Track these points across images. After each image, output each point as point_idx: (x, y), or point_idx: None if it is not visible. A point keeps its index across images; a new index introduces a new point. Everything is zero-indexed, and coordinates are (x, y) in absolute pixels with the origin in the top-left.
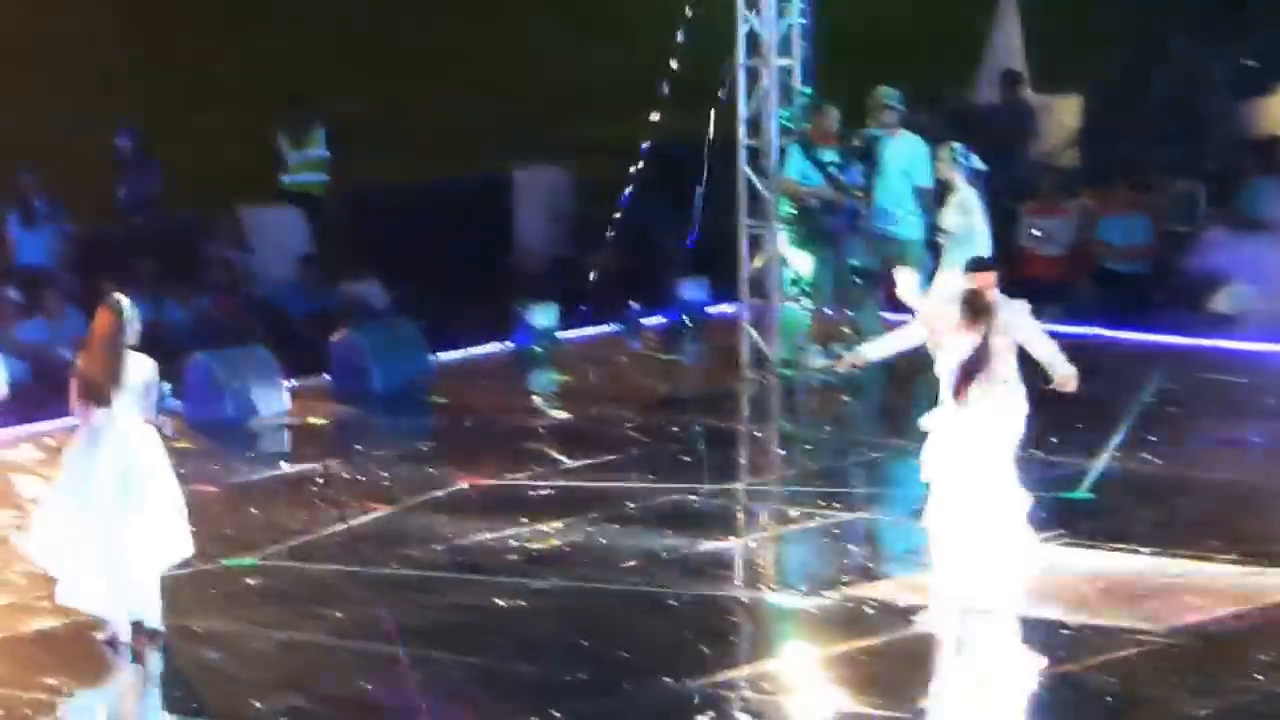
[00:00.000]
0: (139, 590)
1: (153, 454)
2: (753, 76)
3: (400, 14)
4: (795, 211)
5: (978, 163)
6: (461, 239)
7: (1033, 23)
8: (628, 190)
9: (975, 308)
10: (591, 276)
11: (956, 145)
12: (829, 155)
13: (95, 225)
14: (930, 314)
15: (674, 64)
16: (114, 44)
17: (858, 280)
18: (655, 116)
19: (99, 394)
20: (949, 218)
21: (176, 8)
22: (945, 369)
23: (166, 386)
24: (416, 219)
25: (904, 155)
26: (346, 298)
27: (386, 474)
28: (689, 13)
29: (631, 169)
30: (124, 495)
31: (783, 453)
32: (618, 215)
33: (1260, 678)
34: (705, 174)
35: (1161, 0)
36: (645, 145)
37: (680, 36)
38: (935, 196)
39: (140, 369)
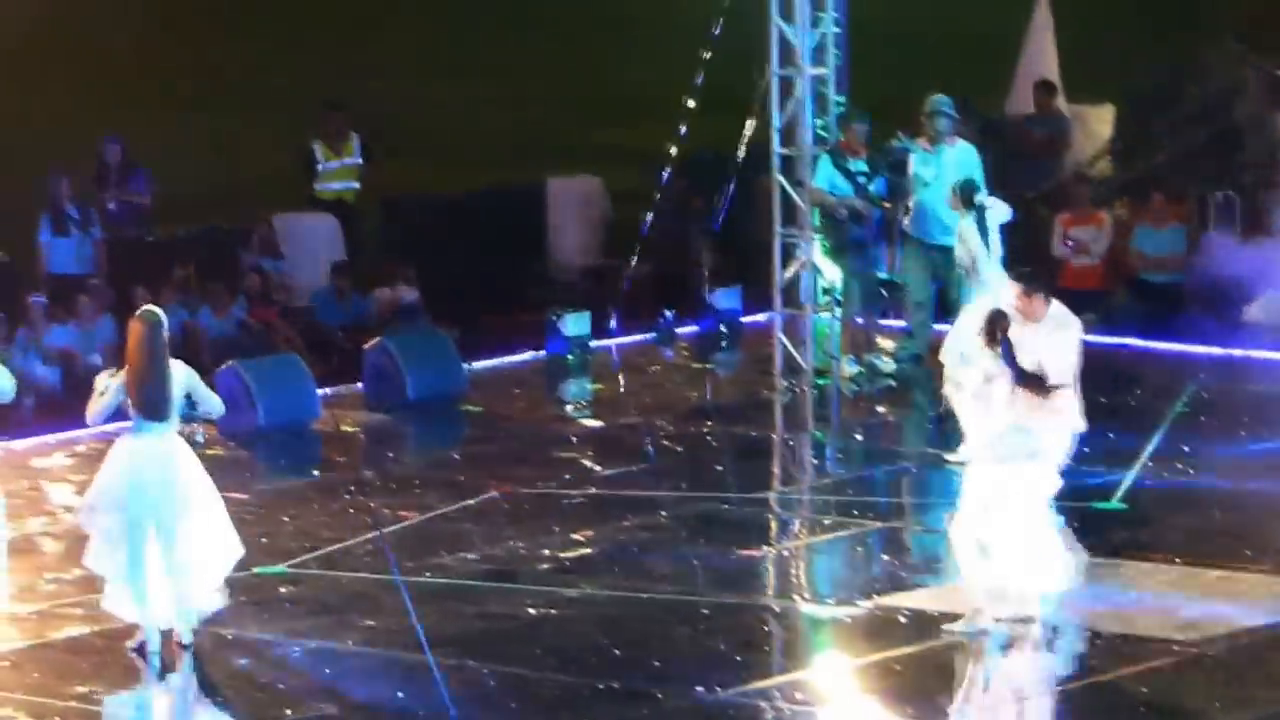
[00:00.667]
0: (175, 599)
1: (192, 461)
2: (786, 85)
3: (434, 23)
4: (824, 221)
5: (984, 198)
6: (495, 247)
7: (1068, 32)
8: (658, 198)
9: (989, 332)
10: (625, 284)
11: (962, 180)
12: (858, 166)
13: (128, 232)
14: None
15: (699, 80)
16: (146, 50)
17: (885, 291)
18: (683, 129)
19: (152, 405)
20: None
21: (212, 13)
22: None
23: None
24: (451, 227)
25: (958, 164)
26: (380, 302)
27: (418, 482)
28: (716, 28)
29: (663, 175)
30: (165, 503)
31: (815, 461)
32: (649, 221)
33: None
34: (735, 177)
35: (1196, 10)
36: (673, 153)
37: (708, 50)
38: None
39: (177, 376)
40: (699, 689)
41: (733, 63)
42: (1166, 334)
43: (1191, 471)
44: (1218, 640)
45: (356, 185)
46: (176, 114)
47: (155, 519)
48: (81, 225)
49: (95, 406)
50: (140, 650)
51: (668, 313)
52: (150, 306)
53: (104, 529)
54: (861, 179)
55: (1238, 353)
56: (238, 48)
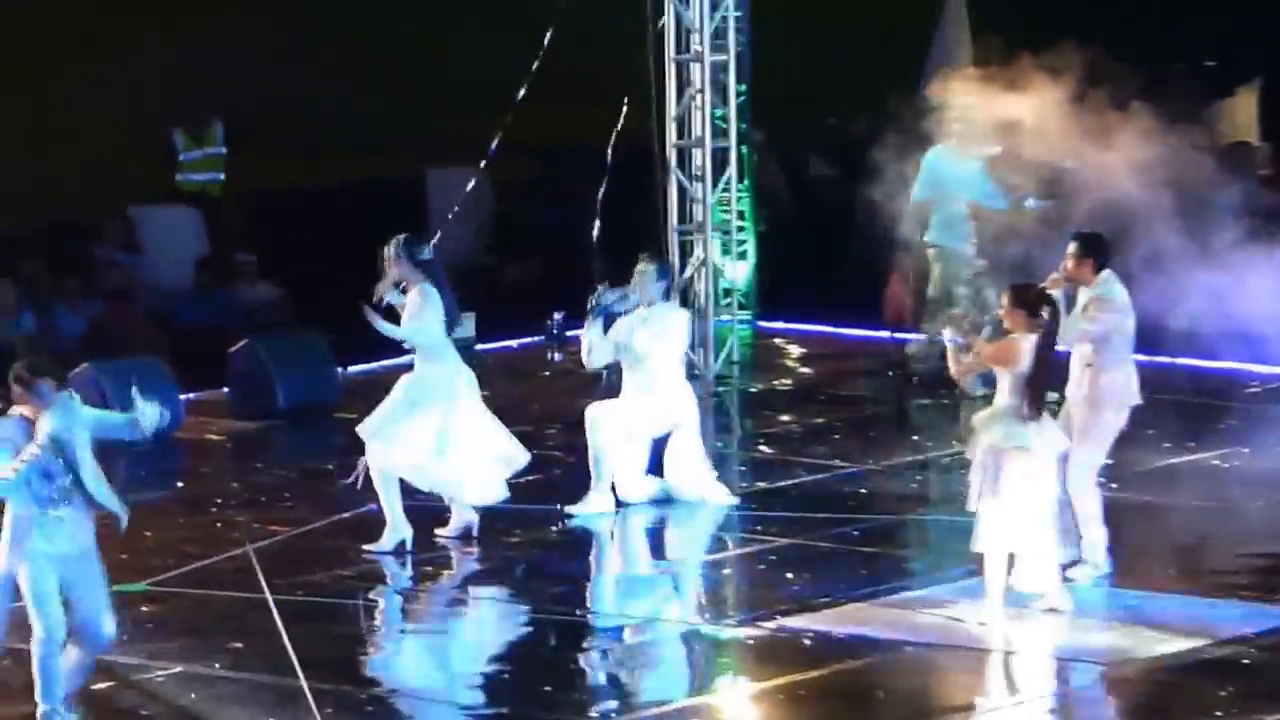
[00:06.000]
0: None
1: None
2: (683, 72)
3: (308, 10)
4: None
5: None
6: (371, 244)
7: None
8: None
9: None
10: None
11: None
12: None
13: None
14: None
15: (534, 66)
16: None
17: None
18: (497, 134)
19: None
20: None
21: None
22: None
23: None
24: (323, 223)
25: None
26: (241, 305)
27: (289, 494)
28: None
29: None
30: None
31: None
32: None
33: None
34: (607, 175)
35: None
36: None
37: (549, 34)
38: None
39: None
40: (593, 714)
41: (631, 49)
42: None
43: None
44: None
45: (221, 176)
46: (33, 100)
47: None
48: None
49: None
50: None
51: (557, 314)
52: None
53: None
54: None
55: None
56: (95, 34)
